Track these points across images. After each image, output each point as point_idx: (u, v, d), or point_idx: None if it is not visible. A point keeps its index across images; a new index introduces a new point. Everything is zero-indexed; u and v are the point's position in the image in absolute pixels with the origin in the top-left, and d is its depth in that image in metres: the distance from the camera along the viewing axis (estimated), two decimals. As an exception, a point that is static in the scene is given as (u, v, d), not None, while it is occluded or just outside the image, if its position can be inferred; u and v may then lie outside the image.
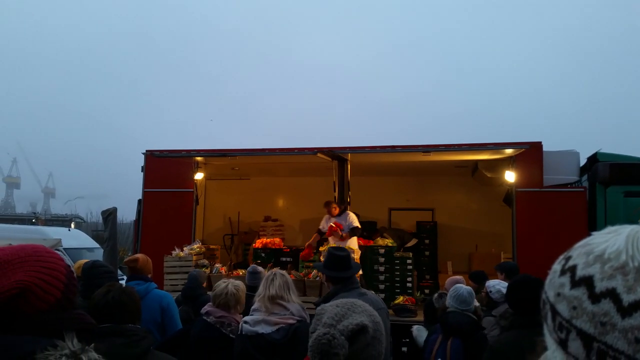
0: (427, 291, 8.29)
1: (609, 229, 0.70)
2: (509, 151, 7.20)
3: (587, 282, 0.66)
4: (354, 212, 7.75)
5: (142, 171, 8.26)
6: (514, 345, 2.53)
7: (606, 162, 6.88)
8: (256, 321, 2.97)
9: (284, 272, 3.22)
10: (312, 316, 1.88)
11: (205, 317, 3.44)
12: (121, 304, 2.24)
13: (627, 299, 0.62)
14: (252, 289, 4.13)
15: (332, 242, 7.11)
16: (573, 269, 0.69)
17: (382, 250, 7.53)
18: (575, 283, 0.67)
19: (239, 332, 3.07)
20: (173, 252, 7.13)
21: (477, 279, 5.64)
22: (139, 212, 8.20)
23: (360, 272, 6.58)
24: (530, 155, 7.09)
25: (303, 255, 7.35)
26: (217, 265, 7.29)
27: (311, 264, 7.06)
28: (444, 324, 3.61)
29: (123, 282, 3.50)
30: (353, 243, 7.09)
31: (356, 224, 7.34)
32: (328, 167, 8.15)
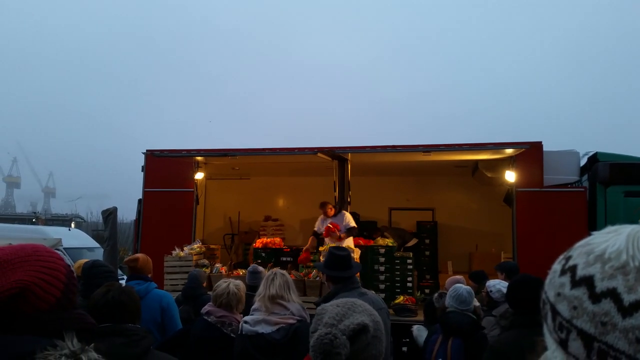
0: (427, 291, 8.28)
1: (609, 228, 0.70)
2: (509, 151, 7.20)
3: (588, 281, 0.66)
4: (350, 212, 7.75)
5: (142, 171, 8.26)
6: (514, 345, 2.53)
7: (606, 162, 6.88)
8: (256, 321, 2.97)
9: (284, 271, 3.22)
10: (312, 316, 1.88)
11: (205, 317, 3.44)
12: (121, 303, 2.23)
13: (627, 298, 0.62)
14: (252, 288, 4.13)
15: (329, 242, 7.09)
16: (573, 268, 0.68)
17: (382, 250, 7.53)
18: (575, 283, 0.67)
19: (239, 332, 3.07)
20: (173, 251, 7.13)
21: (477, 279, 5.64)
22: (139, 211, 8.20)
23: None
24: (530, 155, 7.09)
25: (301, 259, 7.32)
26: (218, 265, 7.29)
27: (311, 264, 7.06)
28: (444, 324, 3.60)
29: (123, 282, 3.50)
30: (349, 243, 7.08)
31: (352, 224, 7.35)
32: (328, 167, 8.14)
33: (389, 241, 7.80)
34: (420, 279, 9.03)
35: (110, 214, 8.03)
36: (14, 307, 1.26)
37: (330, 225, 7.16)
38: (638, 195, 6.73)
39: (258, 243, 8.46)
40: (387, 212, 10.50)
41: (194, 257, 7.15)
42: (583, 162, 7.36)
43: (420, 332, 4.43)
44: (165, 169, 8.13)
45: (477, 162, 8.35)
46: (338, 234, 7.09)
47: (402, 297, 7.01)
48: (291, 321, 2.97)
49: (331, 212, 7.42)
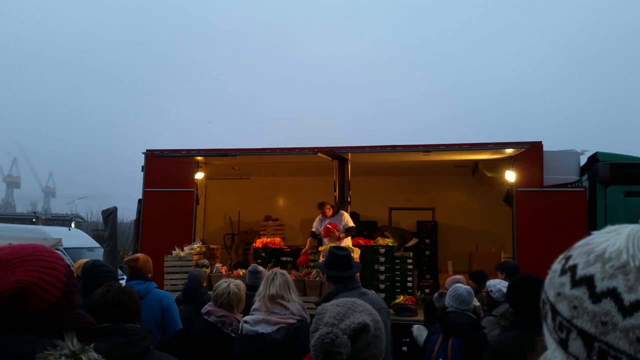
0: (427, 291, 8.28)
1: (609, 228, 0.70)
2: (509, 151, 7.20)
3: (588, 281, 0.65)
4: (350, 212, 7.74)
5: (142, 171, 8.26)
6: (515, 344, 2.53)
7: (606, 162, 6.88)
8: (256, 321, 2.97)
9: (284, 271, 3.21)
10: (312, 316, 1.88)
11: (206, 317, 3.43)
12: (120, 303, 2.23)
13: (628, 298, 0.62)
14: (252, 288, 4.13)
15: (328, 243, 7.09)
16: (573, 268, 0.68)
17: (382, 250, 7.52)
18: (575, 282, 0.67)
19: (239, 332, 3.07)
20: (173, 251, 7.13)
21: (478, 279, 5.64)
22: (139, 211, 8.20)
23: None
24: (530, 155, 7.09)
25: (300, 262, 7.30)
26: (218, 265, 7.29)
27: (312, 264, 7.05)
28: (444, 324, 3.60)
29: (123, 282, 3.50)
30: (348, 243, 7.08)
31: (351, 223, 7.36)
32: (328, 167, 8.14)
33: (389, 241, 7.80)
34: (420, 278, 9.03)
35: (110, 214, 8.03)
36: (14, 307, 1.26)
37: (330, 226, 7.16)
38: (638, 195, 6.73)
39: (258, 243, 8.46)
40: (387, 212, 10.50)
41: (194, 257, 7.15)
42: (578, 158, 7.36)
43: (420, 332, 4.43)
44: (165, 169, 8.13)
45: (477, 162, 8.35)
46: (337, 234, 7.09)
47: (402, 297, 7.01)
48: (291, 321, 2.97)
49: (329, 212, 7.42)
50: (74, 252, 9.81)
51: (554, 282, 0.70)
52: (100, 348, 1.28)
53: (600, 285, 0.64)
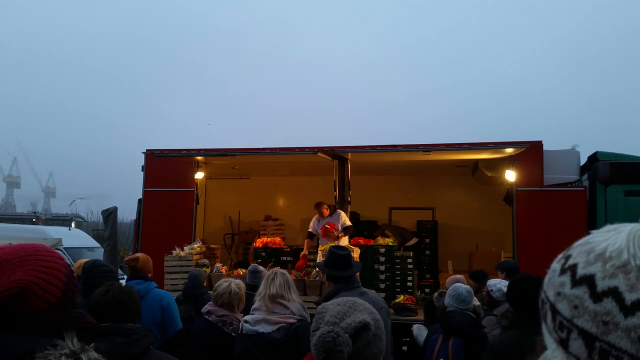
0: (427, 290, 8.28)
1: (609, 227, 0.70)
2: (509, 150, 7.20)
3: (589, 281, 0.65)
4: (350, 212, 7.74)
5: (142, 170, 8.26)
6: (515, 344, 2.53)
7: (606, 162, 6.88)
8: (257, 320, 2.97)
9: (284, 271, 3.21)
10: (312, 315, 1.88)
11: (206, 316, 3.43)
12: (120, 303, 2.23)
13: (629, 297, 0.61)
14: (252, 288, 4.13)
15: (327, 242, 7.08)
16: (573, 267, 0.68)
17: (382, 250, 7.52)
18: (576, 282, 0.67)
19: (239, 332, 3.07)
20: (173, 251, 7.13)
21: (478, 278, 5.64)
22: (139, 211, 8.20)
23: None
24: (530, 154, 7.09)
25: (298, 266, 7.27)
26: (218, 264, 7.29)
27: (311, 264, 7.05)
28: (444, 324, 3.60)
29: (123, 282, 3.50)
30: (344, 243, 7.08)
31: (348, 222, 7.37)
32: (328, 167, 8.14)
33: (389, 240, 7.80)
34: (420, 278, 9.02)
35: (110, 214, 8.03)
36: (14, 306, 1.26)
37: (328, 226, 7.16)
38: (638, 195, 6.73)
39: (258, 243, 8.46)
40: (387, 212, 10.50)
41: (194, 257, 7.15)
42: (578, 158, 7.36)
43: (420, 332, 4.43)
44: (165, 168, 8.13)
45: (477, 161, 8.35)
46: (336, 234, 7.10)
47: (402, 297, 7.00)
48: (291, 320, 2.97)
49: (326, 212, 7.42)
50: (74, 252, 9.82)
51: (554, 282, 0.70)
52: (100, 348, 1.28)
53: (601, 285, 0.64)
